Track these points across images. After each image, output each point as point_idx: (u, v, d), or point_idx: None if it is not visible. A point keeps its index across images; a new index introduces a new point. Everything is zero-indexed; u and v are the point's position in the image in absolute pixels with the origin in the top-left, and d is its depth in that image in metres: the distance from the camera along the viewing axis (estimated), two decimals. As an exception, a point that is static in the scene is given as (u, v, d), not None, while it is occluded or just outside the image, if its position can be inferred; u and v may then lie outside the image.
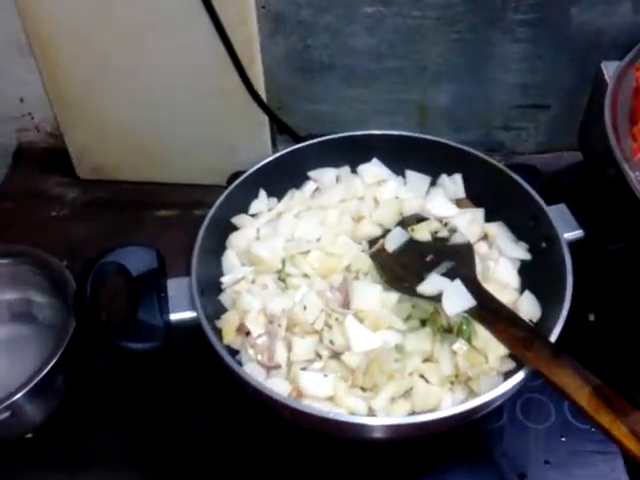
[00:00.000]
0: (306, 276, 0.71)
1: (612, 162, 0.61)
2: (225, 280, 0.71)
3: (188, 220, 0.95)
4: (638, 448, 0.49)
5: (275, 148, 1.00)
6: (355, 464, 0.69)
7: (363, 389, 0.63)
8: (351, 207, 0.77)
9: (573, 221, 0.68)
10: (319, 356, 0.65)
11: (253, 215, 0.77)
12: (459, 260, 0.70)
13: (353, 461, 0.69)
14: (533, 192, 0.71)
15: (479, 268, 0.71)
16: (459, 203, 0.78)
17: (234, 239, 0.74)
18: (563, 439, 0.70)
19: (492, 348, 0.63)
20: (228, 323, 0.66)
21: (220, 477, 0.69)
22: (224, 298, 0.70)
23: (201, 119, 0.94)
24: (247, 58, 0.86)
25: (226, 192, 0.73)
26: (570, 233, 0.68)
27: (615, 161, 0.61)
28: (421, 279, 0.68)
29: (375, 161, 0.81)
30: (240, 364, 0.65)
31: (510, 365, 0.63)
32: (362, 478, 0.69)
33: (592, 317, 0.80)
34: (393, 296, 0.68)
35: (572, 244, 0.67)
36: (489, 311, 0.63)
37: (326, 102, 0.97)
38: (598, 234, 0.67)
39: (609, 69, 0.73)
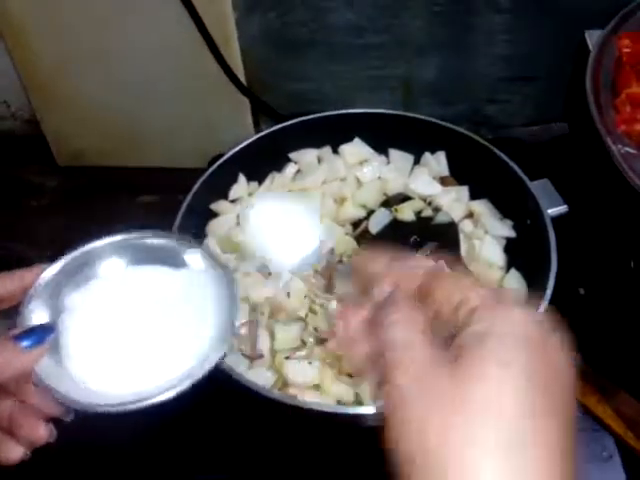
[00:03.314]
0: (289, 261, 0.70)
1: (595, 134, 0.59)
2: (206, 268, 0.69)
3: (171, 205, 0.94)
4: (623, 429, 0.48)
5: (258, 128, 0.98)
6: (346, 449, 0.68)
7: (350, 376, 0.62)
8: (333, 189, 0.76)
9: (557, 196, 0.67)
10: (304, 343, 0.64)
11: (233, 201, 0.76)
12: (443, 240, 0.69)
13: (344, 446, 0.68)
14: (516, 168, 0.70)
15: (464, 247, 0.70)
16: (443, 181, 0.77)
17: (214, 226, 0.73)
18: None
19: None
20: (209, 313, 0.65)
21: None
22: (205, 287, 0.69)
23: (181, 101, 0.92)
24: (222, 37, 0.83)
25: (202, 179, 0.72)
26: (554, 209, 0.67)
27: (597, 133, 0.59)
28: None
29: (357, 140, 0.80)
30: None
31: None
32: (354, 462, 0.68)
33: (582, 291, 0.80)
34: (377, 279, 0.67)
35: (556, 219, 0.66)
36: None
37: (308, 80, 0.95)
38: (581, 209, 0.66)
39: (593, 38, 0.71)
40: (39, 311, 0.48)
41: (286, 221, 0.72)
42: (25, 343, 0.44)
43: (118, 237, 0.52)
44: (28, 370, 0.44)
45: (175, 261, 0.52)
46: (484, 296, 0.36)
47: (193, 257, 0.52)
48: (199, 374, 0.46)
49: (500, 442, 0.30)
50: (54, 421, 0.46)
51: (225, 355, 0.47)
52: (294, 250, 0.69)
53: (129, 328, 0.49)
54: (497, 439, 0.31)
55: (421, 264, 0.39)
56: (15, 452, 0.45)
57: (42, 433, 0.45)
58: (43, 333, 0.45)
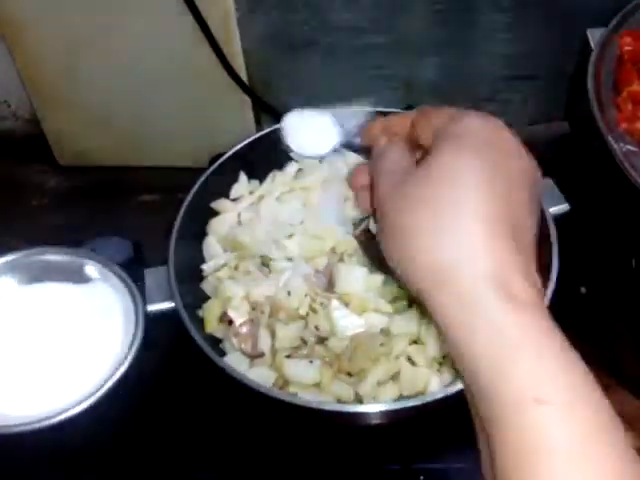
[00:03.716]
0: (290, 260, 0.70)
1: (596, 133, 0.59)
2: (206, 267, 0.69)
3: (173, 204, 0.94)
4: (624, 427, 0.48)
5: (260, 127, 0.98)
6: (346, 447, 0.68)
7: (349, 374, 0.62)
8: (335, 188, 0.76)
9: (558, 195, 0.67)
10: (304, 342, 0.64)
11: (234, 199, 0.76)
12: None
13: (344, 445, 0.68)
14: (518, 167, 0.70)
15: (465, 246, 0.70)
16: (444, 180, 0.77)
17: (215, 225, 0.73)
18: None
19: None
20: (210, 311, 0.65)
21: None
22: (206, 286, 0.69)
23: (182, 101, 0.92)
24: (224, 37, 0.83)
25: (202, 178, 0.71)
26: (555, 207, 0.66)
27: (599, 132, 0.59)
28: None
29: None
30: (224, 353, 0.64)
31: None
32: (354, 460, 0.68)
33: (584, 290, 0.79)
34: (378, 278, 0.67)
35: (558, 218, 0.66)
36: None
37: (309, 79, 0.95)
38: (583, 207, 0.65)
39: (595, 36, 0.71)
40: None
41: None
42: None
43: (11, 256, 0.52)
44: None
45: (76, 276, 0.52)
46: (451, 114, 0.44)
47: (94, 271, 0.52)
48: (107, 386, 0.46)
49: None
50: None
51: (130, 366, 0.48)
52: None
53: (29, 346, 0.48)
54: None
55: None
56: None
57: None
58: None
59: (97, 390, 0.46)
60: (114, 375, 0.47)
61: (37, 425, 0.45)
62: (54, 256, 0.52)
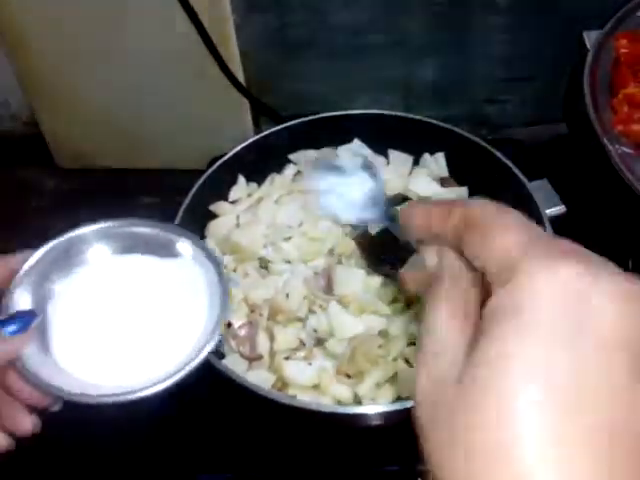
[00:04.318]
0: (288, 262, 0.70)
1: (592, 134, 0.60)
2: (205, 270, 0.69)
3: (171, 207, 0.94)
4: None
5: (258, 129, 0.98)
6: (346, 449, 0.68)
7: (348, 376, 0.63)
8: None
9: (555, 196, 0.67)
10: (303, 344, 0.64)
11: (233, 202, 0.76)
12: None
13: (343, 446, 0.68)
14: (515, 168, 0.70)
15: (463, 247, 0.70)
16: (443, 182, 0.77)
17: (213, 227, 0.73)
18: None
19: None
20: (209, 314, 0.65)
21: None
22: (205, 288, 0.69)
23: (180, 102, 0.92)
24: (221, 39, 0.83)
25: (201, 180, 0.72)
26: (552, 209, 0.67)
27: (595, 133, 0.59)
28: (404, 261, 0.67)
29: (356, 142, 0.80)
30: (223, 356, 0.64)
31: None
32: (353, 462, 0.68)
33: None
34: (377, 280, 0.67)
35: (554, 219, 0.66)
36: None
37: (308, 81, 0.95)
38: (580, 209, 0.66)
39: (591, 38, 0.71)
40: (25, 297, 0.46)
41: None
42: (9, 329, 0.42)
43: (105, 224, 0.51)
44: (13, 358, 0.42)
45: (165, 251, 0.50)
46: (525, 247, 0.27)
47: (183, 247, 0.51)
48: (189, 367, 0.44)
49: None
50: (42, 412, 0.44)
51: (216, 346, 0.46)
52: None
53: (117, 317, 0.47)
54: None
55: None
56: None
57: (26, 425, 0.43)
58: (28, 319, 0.43)
59: (179, 370, 0.44)
60: (197, 356, 0.45)
61: (121, 397, 0.43)
62: (144, 229, 0.51)
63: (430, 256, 0.33)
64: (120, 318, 0.47)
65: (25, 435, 0.44)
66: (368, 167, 0.43)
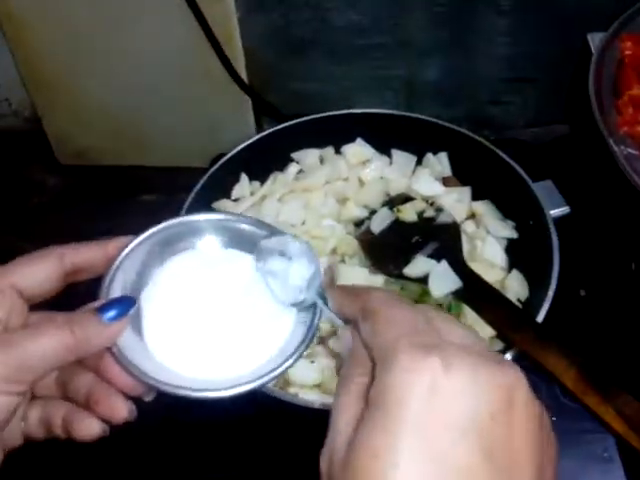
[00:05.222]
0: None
1: (597, 136, 0.60)
2: (208, 268, 0.69)
3: (173, 205, 0.94)
4: (625, 429, 0.48)
5: (261, 128, 0.98)
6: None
7: (350, 374, 0.62)
8: (335, 189, 0.76)
9: (559, 197, 0.67)
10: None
11: (235, 200, 0.76)
12: (445, 240, 0.69)
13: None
14: (519, 169, 0.70)
15: (466, 247, 0.70)
16: (446, 182, 0.77)
17: (216, 225, 0.73)
18: (554, 418, 0.69)
19: (480, 329, 0.63)
20: (212, 312, 0.65)
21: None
22: (208, 286, 0.69)
23: (184, 101, 0.92)
24: (225, 37, 0.83)
25: (204, 178, 0.72)
26: (556, 210, 0.67)
27: (600, 135, 0.59)
28: (407, 261, 0.67)
29: (359, 141, 0.80)
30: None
31: (499, 345, 0.63)
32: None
33: (583, 292, 0.80)
34: (379, 279, 0.67)
35: (558, 220, 0.66)
36: (476, 292, 0.62)
37: (311, 80, 0.95)
38: (584, 210, 0.66)
39: (595, 40, 0.71)
40: (121, 283, 0.45)
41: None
42: (109, 315, 0.41)
43: (210, 216, 0.49)
44: (110, 344, 0.41)
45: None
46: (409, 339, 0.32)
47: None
48: (280, 368, 0.43)
49: None
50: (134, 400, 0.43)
51: (304, 351, 0.44)
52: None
53: (213, 311, 0.46)
54: None
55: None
56: (93, 429, 0.42)
57: (122, 411, 0.42)
58: (126, 305, 0.42)
59: (268, 373, 0.42)
60: (287, 361, 0.43)
61: (216, 394, 0.41)
62: (247, 226, 0.50)
63: (346, 336, 0.38)
64: (215, 313, 0.46)
65: (120, 422, 0.42)
66: (309, 253, 0.44)
